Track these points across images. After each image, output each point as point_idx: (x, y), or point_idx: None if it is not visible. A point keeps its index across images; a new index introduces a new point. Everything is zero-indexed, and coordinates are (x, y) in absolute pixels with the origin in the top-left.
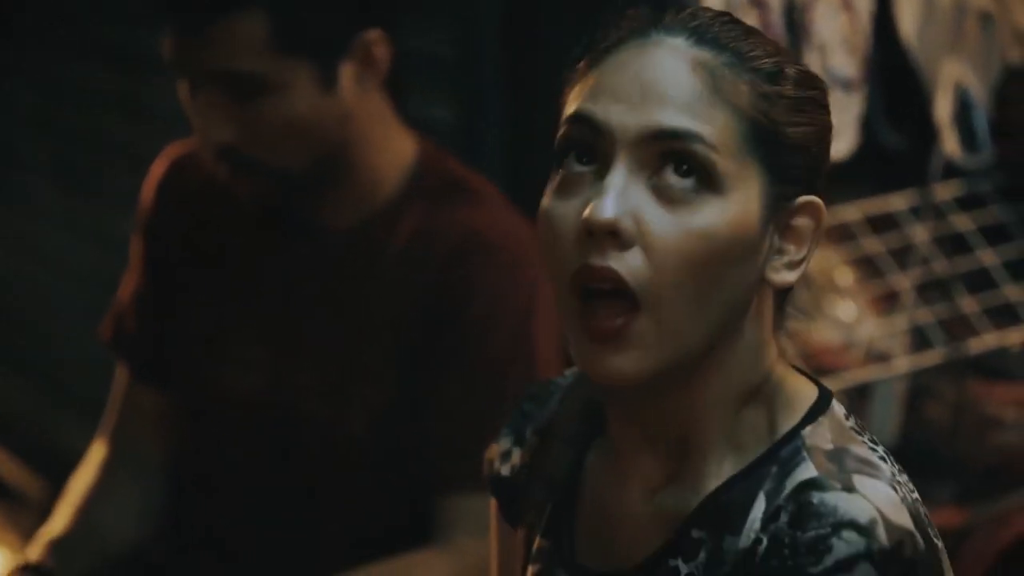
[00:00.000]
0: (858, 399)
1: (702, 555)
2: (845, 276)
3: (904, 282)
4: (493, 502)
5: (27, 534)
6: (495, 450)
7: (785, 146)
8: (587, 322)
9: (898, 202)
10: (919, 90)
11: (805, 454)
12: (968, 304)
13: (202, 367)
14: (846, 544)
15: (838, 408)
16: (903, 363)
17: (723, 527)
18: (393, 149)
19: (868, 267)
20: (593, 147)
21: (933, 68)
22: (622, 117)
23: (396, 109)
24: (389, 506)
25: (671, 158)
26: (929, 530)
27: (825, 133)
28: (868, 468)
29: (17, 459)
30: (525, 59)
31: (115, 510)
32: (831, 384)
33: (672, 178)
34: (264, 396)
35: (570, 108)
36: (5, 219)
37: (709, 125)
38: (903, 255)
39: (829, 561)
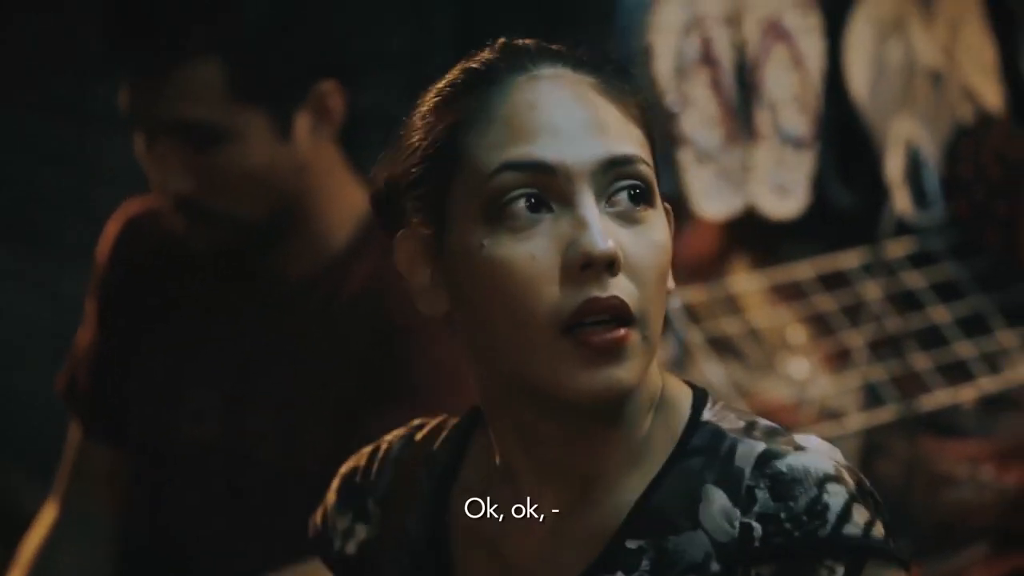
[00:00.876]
0: None
1: (645, 563)
2: (797, 334)
3: (856, 339)
4: None
5: None
6: (330, 526)
7: (656, 154)
8: (585, 341)
9: (850, 260)
10: (870, 148)
11: (733, 436)
12: (920, 361)
13: (156, 417)
14: (835, 496)
15: (716, 397)
16: (855, 420)
17: (664, 530)
18: (347, 200)
19: (820, 325)
20: (544, 188)
21: (884, 126)
22: (573, 153)
23: (351, 162)
24: None
25: (621, 183)
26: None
27: None
28: (789, 431)
29: None
30: None
31: (63, 574)
32: None
33: (625, 202)
34: (218, 444)
35: (494, 159)
36: None
37: (637, 145)
38: (855, 313)
39: (832, 517)
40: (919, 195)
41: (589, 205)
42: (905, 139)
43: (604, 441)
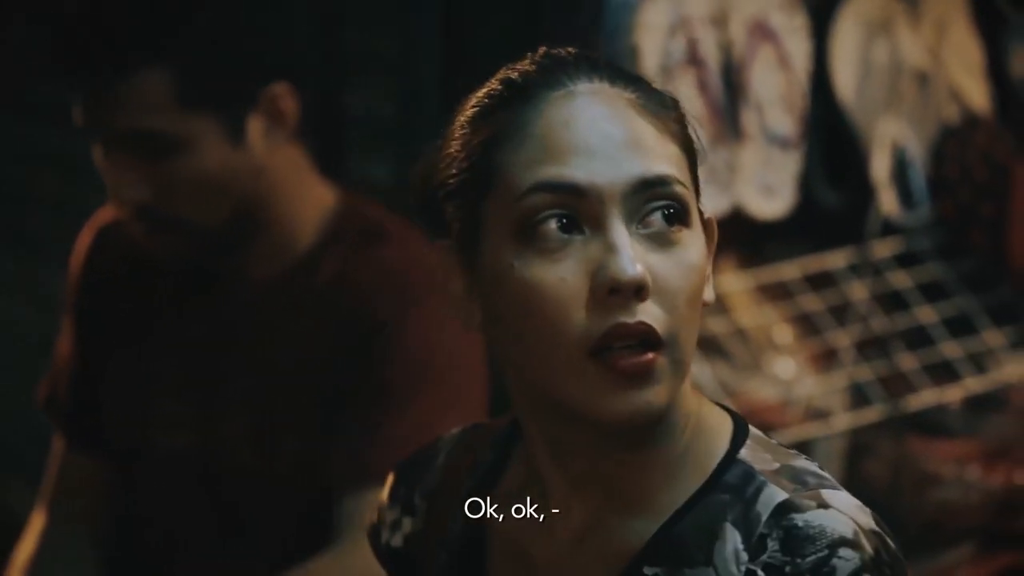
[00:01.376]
0: None
1: None
2: (783, 334)
3: (843, 340)
4: None
5: None
6: (380, 518)
7: (697, 165)
8: (613, 365)
9: (836, 260)
10: (856, 148)
11: (763, 478)
12: (906, 361)
13: (132, 427)
14: (845, 562)
15: (755, 429)
16: (842, 420)
17: (680, 562)
18: (310, 199)
19: (806, 325)
20: (575, 210)
21: (870, 126)
22: (606, 174)
23: (329, 164)
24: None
25: (654, 204)
26: (884, 525)
27: None
28: (823, 480)
29: None
30: None
31: None
32: None
33: (658, 223)
34: (194, 451)
35: (526, 179)
36: None
37: (674, 163)
38: (841, 313)
39: None
40: (905, 195)
41: (619, 229)
42: (891, 139)
43: (632, 460)
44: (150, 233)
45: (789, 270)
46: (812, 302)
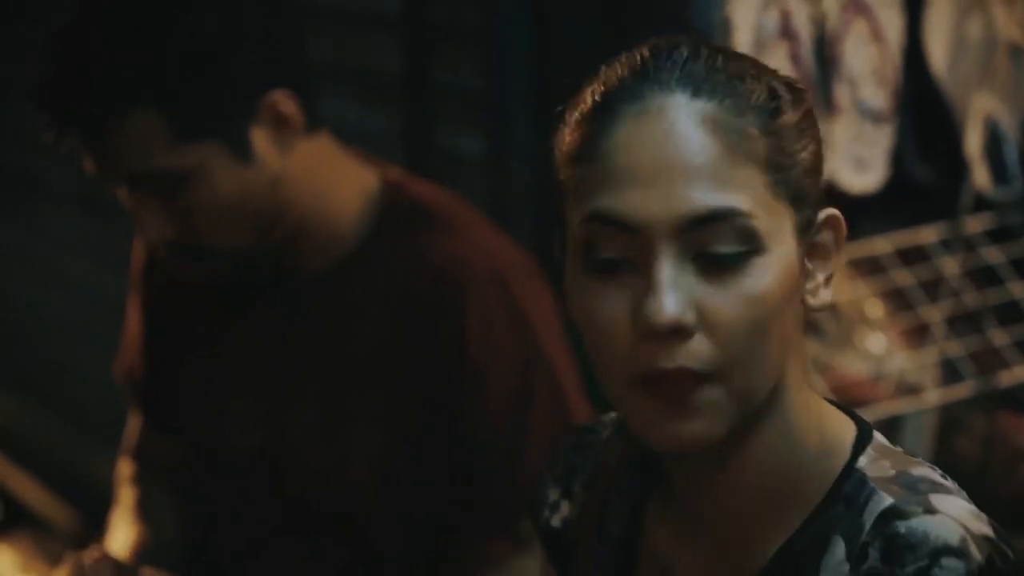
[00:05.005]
0: (888, 432)
1: None
2: (875, 309)
3: (934, 315)
4: (543, 554)
5: (55, 562)
6: (541, 495)
7: (800, 172)
8: (655, 395)
9: (928, 235)
10: (949, 123)
11: (873, 485)
12: (999, 337)
13: (203, 423)
14: (948, 572)
15: (879, 436)
16: (933, 396)
17: (796, 574)
18: (347, 187)
19: (898, 300)
20: (627, 243)
21: (963, 101)
22: (654, 209)
23: (417, 137)
24: (399, 553)
25: (712, 235)
26: (1004, 536)
27: (821, 141)
28: (937, 485)
29: (44, 488)
30: (554, 91)
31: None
32: None
33: (717, 253)
34: (266, 449)
35: (587, 203)
36: (29, 246)
37: (740, 191)
38: (933, 288)
39: None
40: (998, 170)
41: (662, 266)
42: (984, 114)
43: (718, 485)
44: (185, 265)
45: (881, 244)
46: (904, 277)
